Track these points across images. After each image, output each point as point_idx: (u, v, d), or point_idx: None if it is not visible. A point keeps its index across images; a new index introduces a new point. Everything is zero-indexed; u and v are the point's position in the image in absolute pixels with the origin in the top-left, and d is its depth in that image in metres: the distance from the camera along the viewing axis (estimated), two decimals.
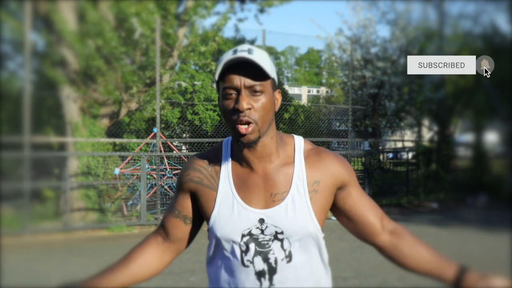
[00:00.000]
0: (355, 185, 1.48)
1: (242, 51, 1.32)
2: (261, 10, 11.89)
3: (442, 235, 7.56)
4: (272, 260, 1.37)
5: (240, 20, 14.21)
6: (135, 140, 9.84)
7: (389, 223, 1.53)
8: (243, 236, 1.38)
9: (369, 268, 5.44)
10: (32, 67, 8.16)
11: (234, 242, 1.39)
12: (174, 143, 10.75)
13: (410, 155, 14.30)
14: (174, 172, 9.17)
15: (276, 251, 1.37)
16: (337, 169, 1.44)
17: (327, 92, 17.07)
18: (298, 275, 1.39)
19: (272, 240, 1.37)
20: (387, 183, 11.33)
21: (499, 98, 11.61)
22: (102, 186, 8.34)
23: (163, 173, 8.86)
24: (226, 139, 1.50)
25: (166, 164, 9.10)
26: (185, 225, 1.51)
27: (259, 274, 1.37)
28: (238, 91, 1.32)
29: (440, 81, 12.87)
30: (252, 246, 1.37)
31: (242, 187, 1.41)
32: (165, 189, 9.05)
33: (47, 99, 8.57)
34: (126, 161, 8.89)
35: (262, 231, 1.37)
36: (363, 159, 10.72)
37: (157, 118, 8.83)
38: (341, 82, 13.64)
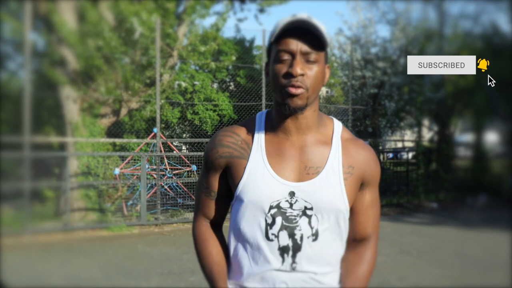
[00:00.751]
0: (373, 189, 1.45)
1: (302, 15, 1.29)
2: (261, 10, 11.89)
3: (442, 235, 7.55)
4: (298, 237, 1.33)
5: (240, 20, 14.23)
6: (135, 140, 9.83)
7: (368, 236, 1.47)
8: (271, 208, 1.34)
9: None
10: (32, 67, 8.16)
11: (260, 212, 1.35)
12: (174, 143, 10.75)
13: (410, 155, 14.30)
14: (174, 172, 9.17)
15: (303, 228, 1.33)
16: (369, 165, 1.41)
17: (327, 92, 17.06)
18: (321, 256, 1.35)
19: (300, 216, 1.33)
20: (387, 183, 11.33)
21: (499, 98, 11.61)
22: (102, 186, 8.34)
23: (163, 173, 8.85)
24: (259, 113, 1.47)
25: (166, 164, 9.10)
26: (224, 203, 1.49)
27: (283, 250, 1.33)
28: (293, 56, 1.29)
29: (440, 81, 12.87)
30: (279, 219, 1.33)
31: (276, 157, 1.36)
32: (165, 189, 9.05)
33: (47, 99, 8.56)
34: (126, 161, 8.89)
35: (291, 205, 1.33)
36: None
37: (157, 118, 8.83)
38: (341, 82, 13.64)
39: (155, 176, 8.61)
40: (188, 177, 9.26)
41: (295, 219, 1.33)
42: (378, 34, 21.45)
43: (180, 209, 8.87)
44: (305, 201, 1.33)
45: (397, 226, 8.33)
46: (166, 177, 8.87)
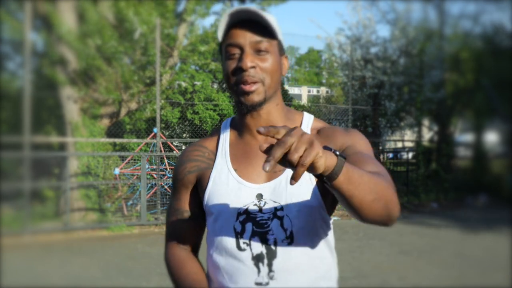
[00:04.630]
0: (356, 147, 1.23)
1: (247, 6, 1.20)
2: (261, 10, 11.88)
3: (442, 235, 7.55)
4: (271, 242, 1.20)
5: None
6: (135, 140, 9.84)
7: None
8: (239, 214, 1.22)
9: (369, 268, 5.44)
10: (32, 67, 8.16)
11: (229, 222, 1.23)
12: (174, 143, 10.76)
13: (410, 155, 14.30)
14: None
15: (275, 231, 1.20)
16: (339, 138, 1.25)
17: (327, 92, 17.08)
18: (301, 260, 1.21)
19: (272, 219, 1.21)
20: None
21: (499, 98, 11.61)
22: (102, 186, 8.34)
23: (163, 173, 8.85)
24: (225, 120, 1.38)
25: (166, 164, 9.10)
26: (199, 224, 1.36)
27: (257, 259, 1.20)
28: (242, 50, 1.20)
29: (440, 81, 12.89)
30: (249, 226, 1.21)
31: (243, 160, 1.27)
32: (165, 189, 9.05)
33: (47, 99, 8.56)
34: (126, 161, 8.89)
35: (261, 209, 1.21)
36: None
37: (157, 118, 8.83)
38: (341, 82, 13.65)
39: (155, 176, 8.61)
40: None
41: (266, 223, 1.20)
42: (378, 34, 21.48)
43: None
44: (274, 202, 1.21)
45: (397, 226, 8.31)
46: (166, 177, 8.87)
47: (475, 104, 12.59)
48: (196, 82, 11.20)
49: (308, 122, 1.32)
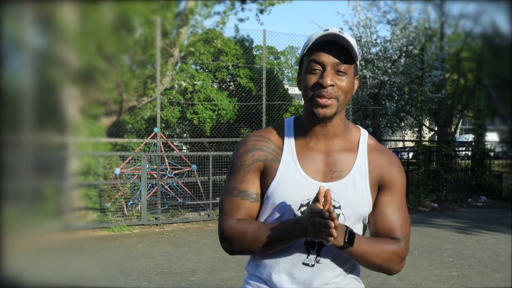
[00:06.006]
0: (394, 194, 1.48)
1: (334, 30, 1.37)
2: (262, 11, 11.89)
3: (442, 235, 7.56)
4: None
5: (241, 20, 14.22)
6: (135, 140, 9.84)
7: (397, 237, 1.47)
8: (301, 205, 1.41)
9: None
10: (32, 67, 8.16)
11: (291, 210, 1.41)
12: (174, 143, 10.76)
13: (410, 155, 14.30)
14: (174, 172, 9.17)
15: None
16: (389, 169, 1.48)
17: None
18: (341, 254, 1.40)
19: None
20: None
21: (499, 98, 11.61)
22: (103, 186, 8.34)
23: (164, 173, 8.85)
24: (287, 119, 1.54)
25: (167, 164, 9.10)
26: (259, 205, 1.50)
27: (309, 245, 1.41)
28: (324, 67, 1.37)
29: (440, 81, 12.88)
30: None
31: (305, 160, 1.44)
32: (166, 189, 9.06)
33: (47, 99, 8.56)
34: (127, 161, 8.89)
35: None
36: None
37: (157, 118, 8.83)
38: None
39: (155, 176, 8.61)
40: (188, 177, 9.26)
41: None
42: (378, 34, 21.46)
43: (180, 209, 8.87)
44: (334, 200, 1.40)
45: None
46: (166, 177, 8.88)
47: (475, 104, 12.58)
48: (196, 82, 11.20)
49: (364, 136, 1.52)
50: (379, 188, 1.47)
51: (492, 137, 12.87)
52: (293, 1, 12.16)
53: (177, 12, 9.79)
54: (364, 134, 1.53)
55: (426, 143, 13.21)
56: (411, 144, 14.44)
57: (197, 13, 9.71)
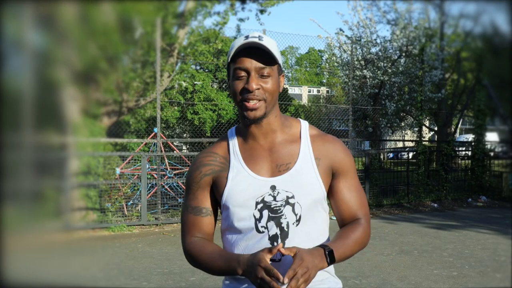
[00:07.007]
0: (349, 176, 1.58)
1: (253, 37, 1.46)
2: (262, 11, 11.89)
3: (442, 235, 7.55)
4: (284, 225, 1.48)
5: (241, 20, 14.21)
6: (135, 140, 9.84)
7: (357, 218, 1.58)
8: (257, 203, 1.49)
9: (369, 268, 5.44)
10: (32, 67, 8.17)
11: (248, 210, 1.49)
12: (174, 143, 10.76)
13: (410, 155, 14.30)
14: (174, 172, 9.17)
15: (288, 216, 1.48)
16: (336, 154, 1.56)
17: (327, 92, 17.09)
18: (308, 238, 1.49)
19: (284, 206, 1.48)
20: (387, 183, 11.33)
21: (499, 98, 11.61)
22: (103, 186, 8.34)
23: (164, 173, 8.86)
24: (230, 130, 1.63)
25: (167, 164, 9.10)
26: (213, 218, 1.62)
27: (272, 239, 1.48)
28: (248, 73, 1.46)
29: (440, 81, 12.89)
30: (265, 212, 1.48)
31: (251, 160, 1.53)
32: (166, 189, 9.06)
33: (47, 99, 8.56)
34: (127, 161, 8.89)
35: (274, 198, 1.49)
36: (364, 159, 10.71)
37: (157, 118, 8.83)
38: (341, 82, 13.65)
39: (155, 176, 8.61)
40: None
41: (279, 209, 1.48)
42: (378, 34, 21.46)
43: (180, 209, 8.87)
44: (286, 191, 1.49)
45: (397, 226, 8.33)
46: (166, 177, 8.88)
47: (475, 104, 12.58)
48: (196, 82, 11.20)
49: (305, 127, 1.60)
50: (333, 175, 1.56)
51: (492, 137, 12.86)
52: (293, 1, 12.15)
53: (177, 12, 9.79)
54: (304, 125, 1.60)
55: (426, 143, 13.20)
56: (411, 144, 14.44)
57: (197, 13, 9.71)
